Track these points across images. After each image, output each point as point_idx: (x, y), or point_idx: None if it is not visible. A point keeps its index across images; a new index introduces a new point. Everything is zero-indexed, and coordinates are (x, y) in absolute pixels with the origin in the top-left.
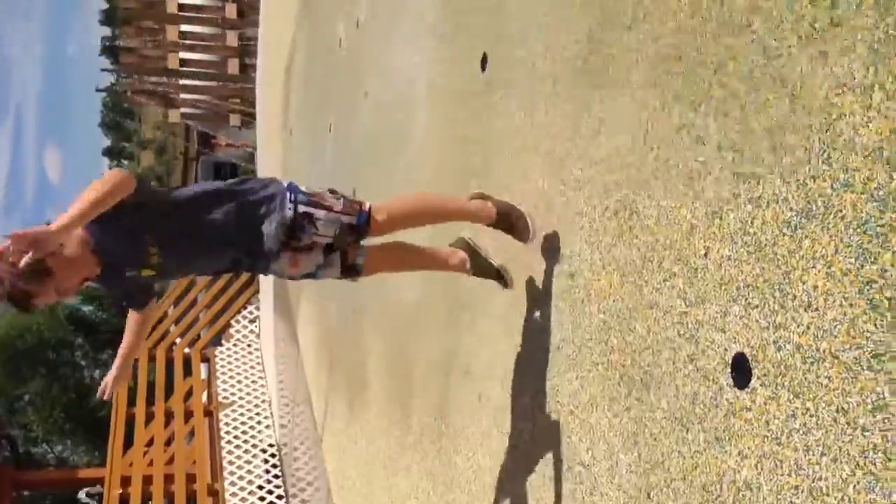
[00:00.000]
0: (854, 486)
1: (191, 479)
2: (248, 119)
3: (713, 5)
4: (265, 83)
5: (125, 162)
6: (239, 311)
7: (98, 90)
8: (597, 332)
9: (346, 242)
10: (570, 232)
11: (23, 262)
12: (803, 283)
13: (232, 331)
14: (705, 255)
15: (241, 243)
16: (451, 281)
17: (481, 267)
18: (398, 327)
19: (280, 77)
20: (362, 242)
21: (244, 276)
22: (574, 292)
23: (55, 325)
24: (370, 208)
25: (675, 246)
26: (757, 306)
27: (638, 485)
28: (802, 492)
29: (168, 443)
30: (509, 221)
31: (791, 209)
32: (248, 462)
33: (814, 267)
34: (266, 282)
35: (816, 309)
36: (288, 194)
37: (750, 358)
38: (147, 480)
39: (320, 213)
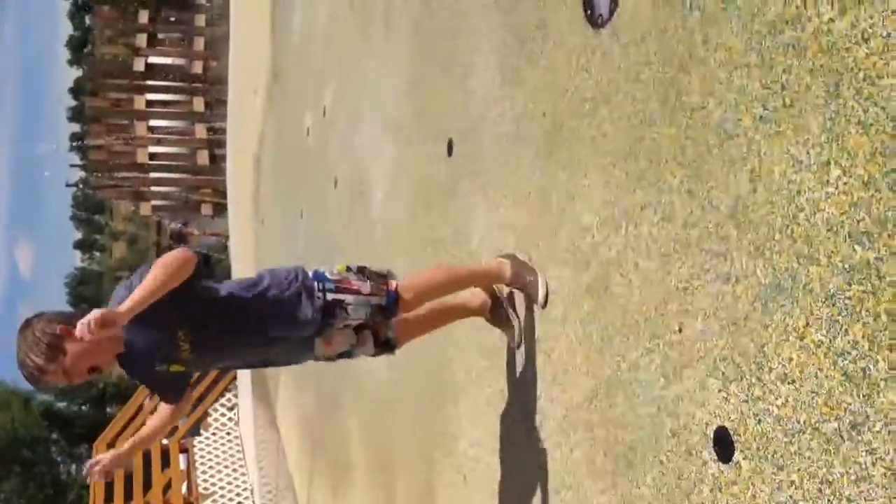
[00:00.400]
0: None
1: None
2: (220, 208)
3: (669, 91)
4: (235, 173)
5: (97, 254)
6: (217, 399)
7: (68, 185)
8: (577, 408)
9: (375, 322)
10: (544, 310)
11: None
12: (778, 356)
13: (210, 419)
14: (679, 330)
15: (276, 341)
16: (431, 356)
17: (500, 318)
18: (378, 408)
19: (250, 166)
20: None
21: None
22: (552, 368)
23: (30, 422)
24: (397, 287)
25: (649, 322)
26: (734, 380)
27: None
28: None
29: None
30: (523, 282)
31: (760, 284)
32: None
33: (787, 340)
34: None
35: (793, 381)
36: (315, 284)
37: (731, 431)
38: None
39: (349, 298)
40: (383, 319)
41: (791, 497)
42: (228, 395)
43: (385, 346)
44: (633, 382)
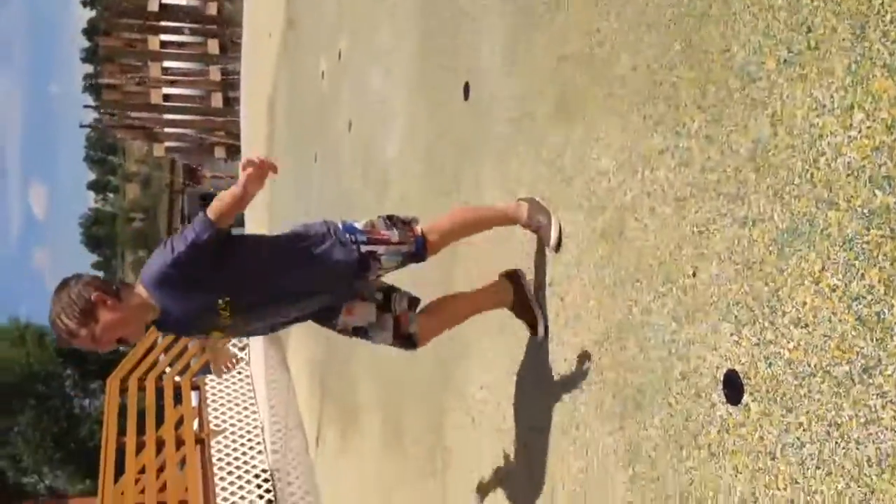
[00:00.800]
0: (849, 498)
1: None
2: (233, 151)
3: (692, 32)
4: (249, 116)
5: (110, 195)
6: (229, 339)
7: (82, 126)
8: (587, 351)
9: (399, 313)
10: (557, 254)
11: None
12: (792, 300)
13: None
14: (693, 274)
15: (314, 298)
16: None
17: (522, 306)
18: (388, 353)
19: (264, 109)
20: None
21: None
22: (564, 312)
23: (44, 357)
24: (422, 232)
25: (663, 266)
26: (747, 324)
27: (634, 503)
28: None
29: (160, 471)
30: (536, 225)
31: (777, 228)
32: (241, 488)
33: (802, 284)
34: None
35: (806, 325)
36: (348, 237)
37: (741, 374)
38: None
39: (381, 249)
40: (414, 262)
41: (798, 439)
42: None
43: (406, 340)
44: (644, 326)
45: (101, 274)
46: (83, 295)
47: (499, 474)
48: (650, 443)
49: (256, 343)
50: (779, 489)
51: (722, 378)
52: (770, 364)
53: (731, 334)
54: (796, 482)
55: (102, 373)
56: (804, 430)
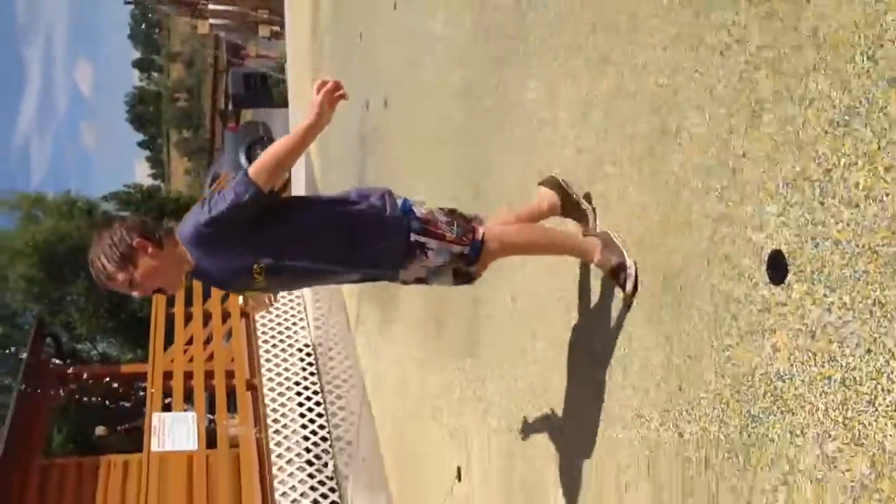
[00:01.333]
0: (888, 375)
1: (230, 375)
2: (278, 30)
3: None
4: None
5: (155, 74)
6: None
7: (126, 2)
8: (632, 231)
9: (452, 265)
10: (604, 144)
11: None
12: (844, 181)
13: None
14: (744, 155)
15: (354, 269)
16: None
17: (570, 205)
18: None
19: None
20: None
21: None
22: (605, 197)
23: (92, 230)
24: (483, 236)
25: (713, 145)
26: (796, 203)
27: (670, 379)
28: (835, 382)
29: (207, 342)
30: (610, 266)
31: (834, 107)
32: (285, 360)
33: (856, 164)
34: (298, 183)
35: (857, 206)
36: (403, 219)
37: (787, 255)
38: (188, 376)
39: (433, 244)
40: (464, 266)
41: (840, 318)
42: None
43: (465, 276)
44: (690, 207)
45: (148, 164)
46: (125, 239)
47: (537, 350)
48: (689, 322)
49: None
50: (817, 366)
51: (766, 258)
52: (817, 245)
53: (779, 215)
54: (835, 360)
55: None
56: (847, 308)
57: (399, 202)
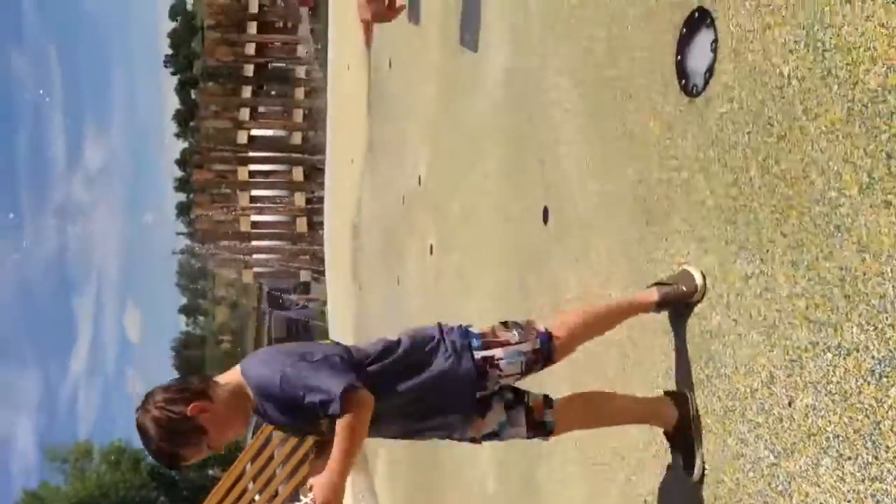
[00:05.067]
0: None
1: None
2: (318, 275)
3: (770, 160)
4: (333, 239)
5: (200, 318)
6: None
7: (174, 253)
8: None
9: (533, 371)
10: (644, 383)
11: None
12: (895, 433)
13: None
14: (789, 404)
15: (433, 413)
16: None
17: (680, 443)
18: None
19: (347, 233)
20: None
21: None
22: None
23: (137, 482)
24: (546, 328)
25: (756, 395)
26: (850, 458)
27: None
28: None
29: None
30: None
31: (873, 357)
32: None
33: None
34: None
35: None
36: (462, 342)
37: None
38: None
39: (499, 353)
40: (542, 366)
41: None
42: None
43: (539, 427)
44: (739, 457)
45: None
46: (174, 414)
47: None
48: None
49: None
50: None
51: None
52: (878, 502)
53: (834, 469)
54: None
55: (193, 499)
56: None
57: (455, 328)
